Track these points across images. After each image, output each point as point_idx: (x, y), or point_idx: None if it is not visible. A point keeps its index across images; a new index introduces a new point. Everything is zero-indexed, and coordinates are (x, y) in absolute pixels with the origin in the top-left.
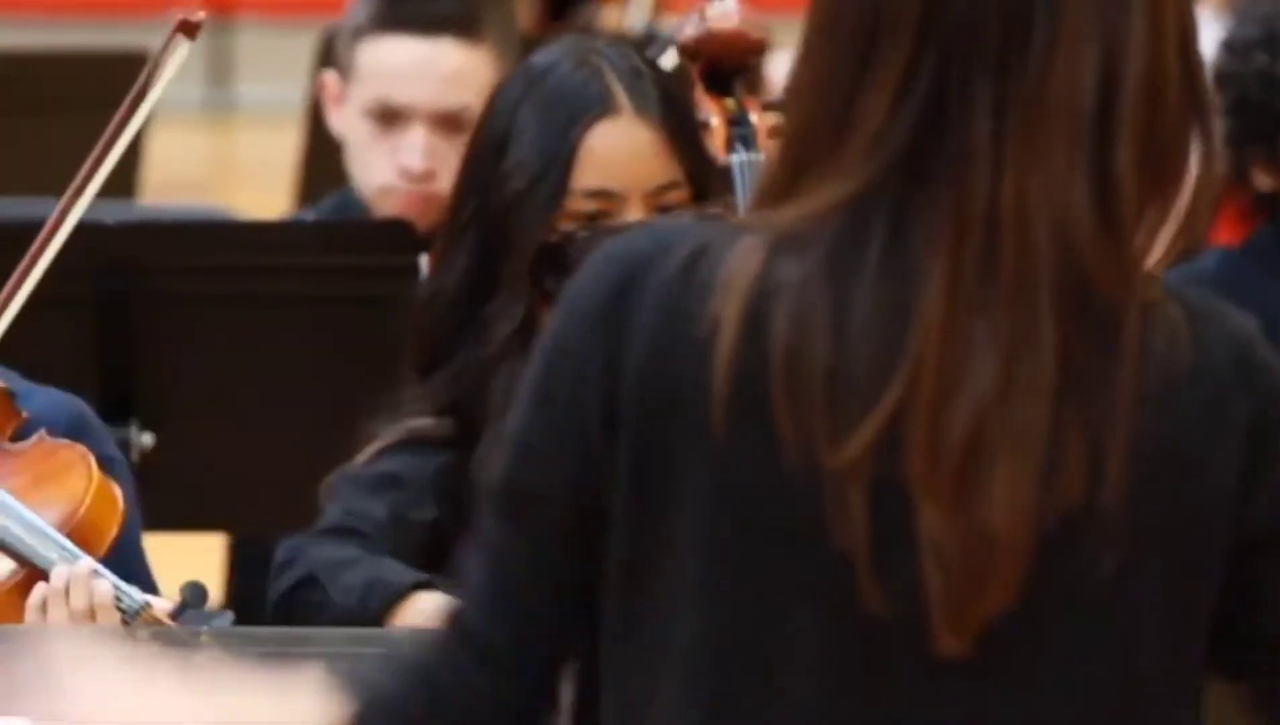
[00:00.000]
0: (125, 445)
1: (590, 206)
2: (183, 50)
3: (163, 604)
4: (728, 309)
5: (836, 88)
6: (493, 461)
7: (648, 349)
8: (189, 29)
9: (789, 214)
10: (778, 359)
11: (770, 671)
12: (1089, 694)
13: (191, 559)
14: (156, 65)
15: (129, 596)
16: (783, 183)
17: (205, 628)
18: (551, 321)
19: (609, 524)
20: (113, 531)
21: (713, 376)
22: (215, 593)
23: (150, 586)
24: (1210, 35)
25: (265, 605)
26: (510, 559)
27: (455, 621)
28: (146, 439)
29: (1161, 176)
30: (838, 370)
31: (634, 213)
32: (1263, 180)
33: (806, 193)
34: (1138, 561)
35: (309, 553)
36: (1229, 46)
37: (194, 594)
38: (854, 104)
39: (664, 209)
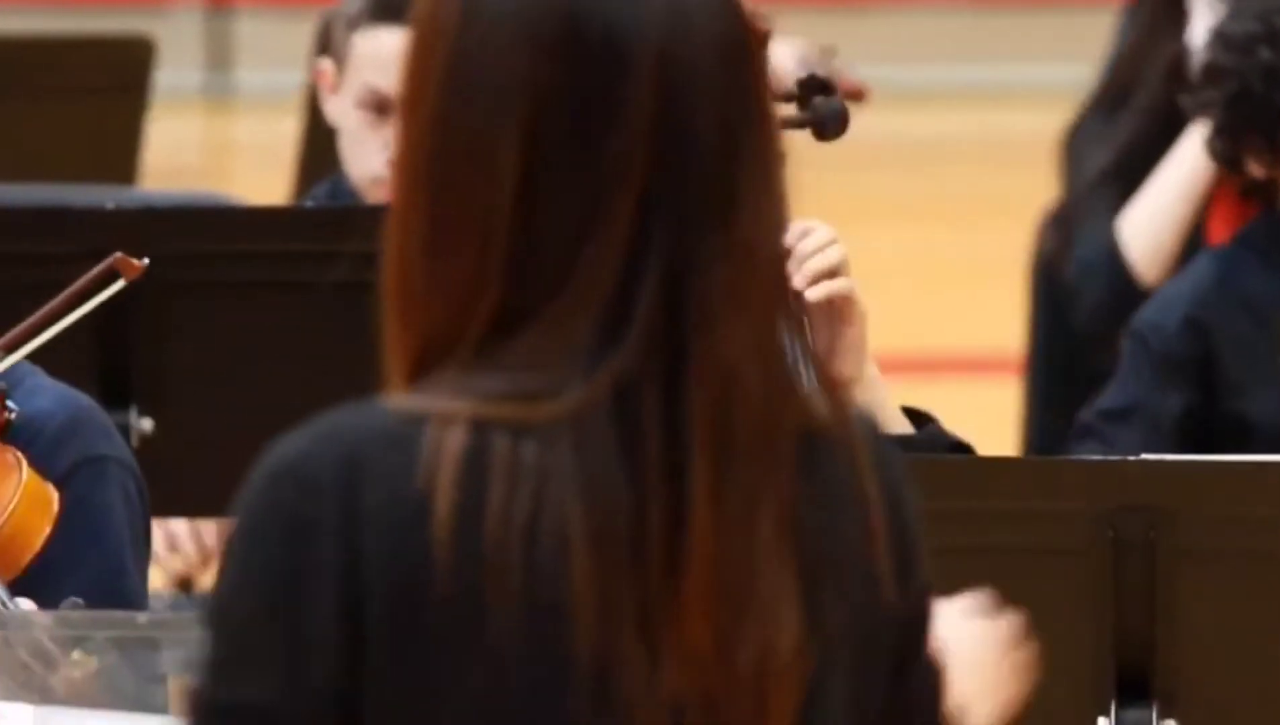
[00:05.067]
0: (125, 430)
1: None
2: (114, 287)
3: (44, 621)
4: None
5: (555, 245)
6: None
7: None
8: (127, 269)
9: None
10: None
11: None
12: None
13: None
14: (85, 292)
15: (6, 608)
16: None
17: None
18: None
19: None
20: (39, 539)
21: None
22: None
23: (142, 593)
24: (1204, 24)
25: None
26: None
27: None
28: (146, 424)
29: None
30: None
31: None
32: (1257, 170)
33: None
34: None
35: None
36: (1227, 41)
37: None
38: (577, 262)
39: None
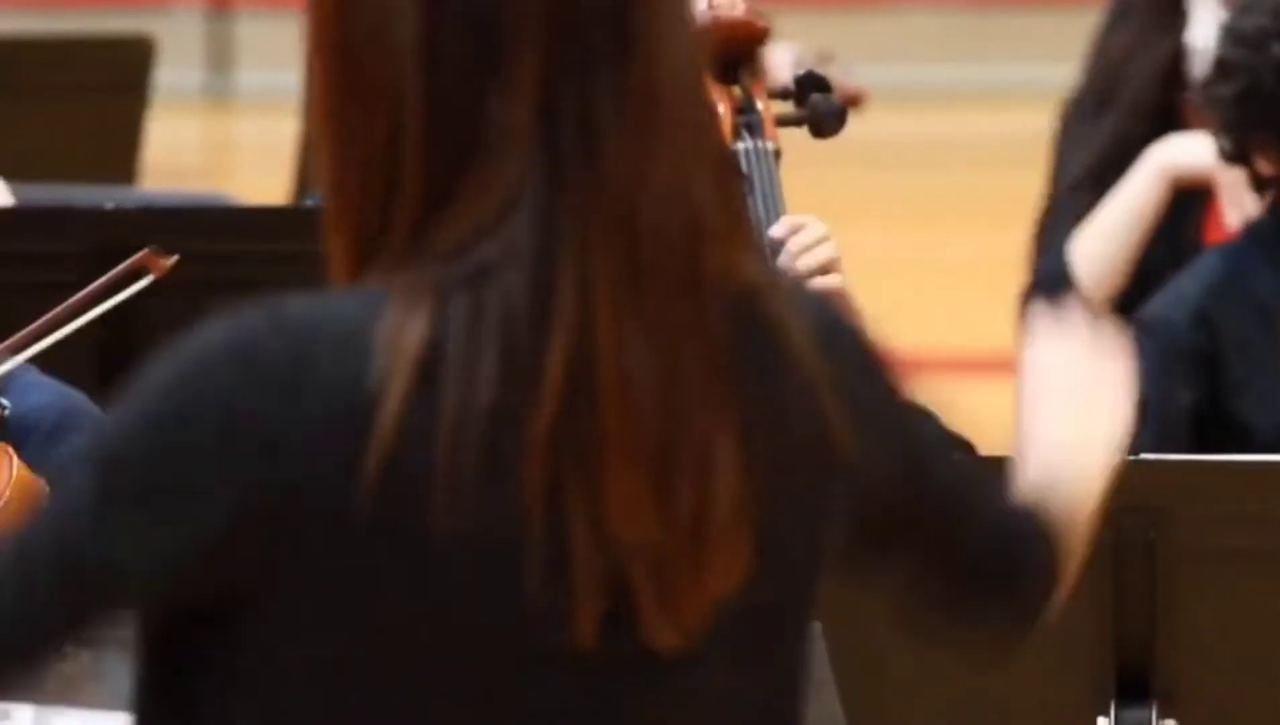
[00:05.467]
0: None
1: None
2: (141, 283)
3: None
4: (396, 371)
5: (461, 100)
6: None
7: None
8: (155, 265)
9: (442, 244)
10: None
11: None
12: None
13: None
14: (114, 284)
15: None
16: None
17: None
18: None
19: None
20: None
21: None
22: None
23: None
24: (1210, 21)
25: None
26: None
27: None
28: None
29: None
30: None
31: None
32: (1265, 166)
33: (452, 214)
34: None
35: None
36: (1239, 36)
37: None
38: (484, 113)
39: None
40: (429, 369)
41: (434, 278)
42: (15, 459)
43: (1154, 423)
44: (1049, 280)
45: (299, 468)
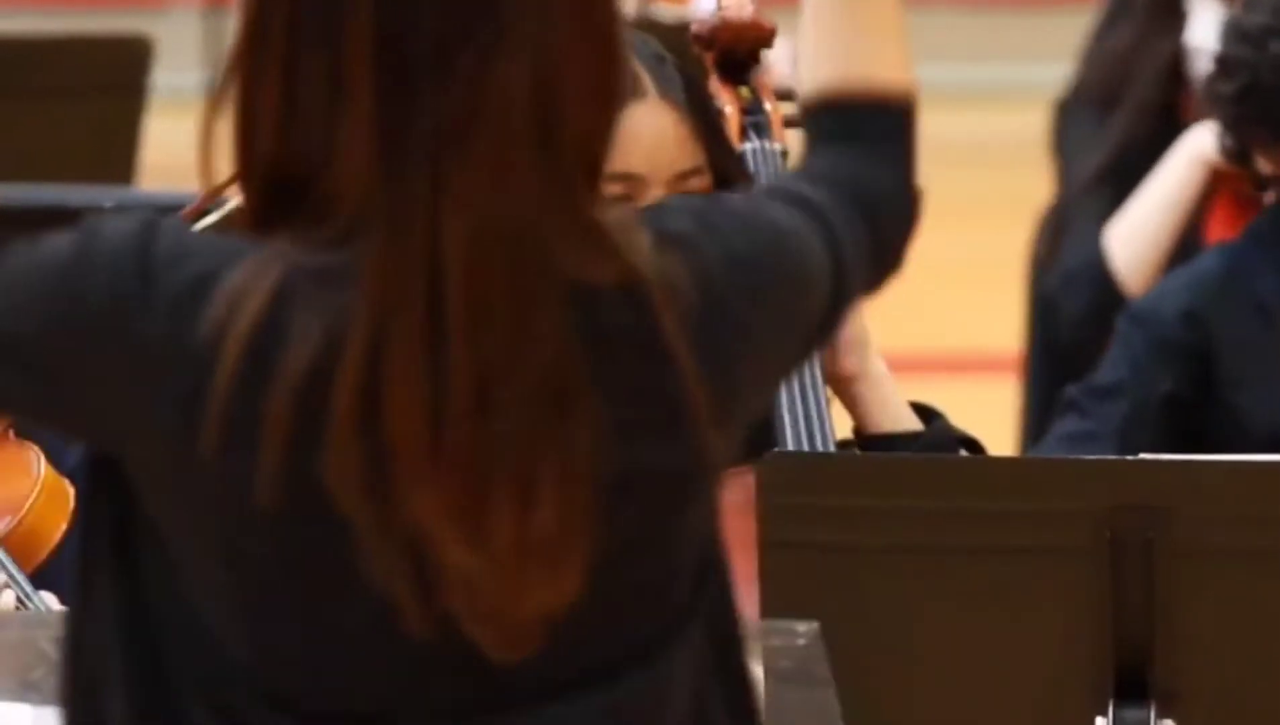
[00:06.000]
0: None
1: (615, 190)
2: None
3: None
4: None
5: (308, 111)
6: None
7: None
8: None
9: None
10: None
11: None
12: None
13: None
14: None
15: (32, 606)
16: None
17: None
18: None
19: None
20: (56, 534)
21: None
22: None
23: None
24: (1210, 19)
25: None
26: None
27: None
28: None
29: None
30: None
31: (657, 196)
32: (1265, 166)
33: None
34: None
35: None
36: (1240, 33)
37: None
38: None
39: (686, 194)
40: (257, 337)
41: (289, 259)
42: (42, 459)
43: (1128, 406)
44: (1080, 274)
45: (144, 370)
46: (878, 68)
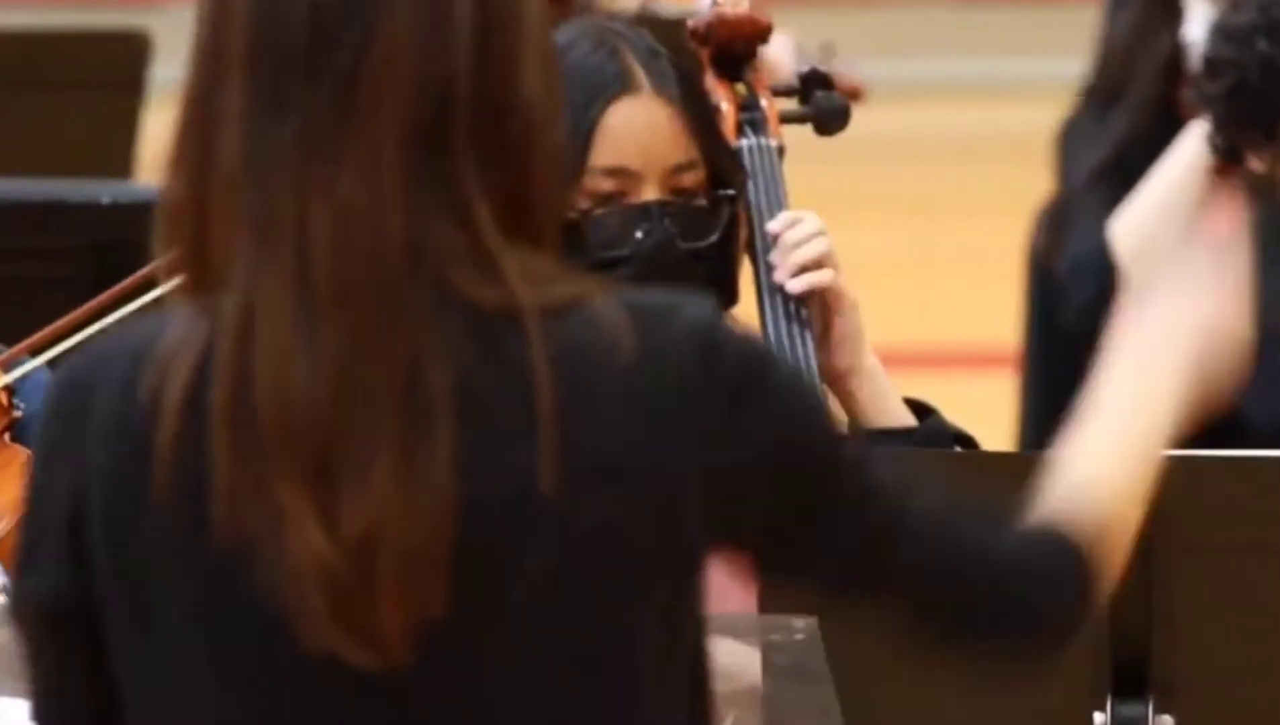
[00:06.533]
0: None
1: (608, 185)
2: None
3: None
4: (169, 386)
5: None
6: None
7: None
8: None
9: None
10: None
11: None
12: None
13: None
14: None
15: None
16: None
17: None
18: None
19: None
20: None
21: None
22: None
23: None
24: (1200, 20)
25: None
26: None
27: None
28: None
29: (523, 193)
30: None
31: (651, 192)
32: (1256, 165)
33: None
34: (573, 569)
35: None
36: (1226, 33)
37: None
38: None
39: (680, 190)
40: (191, 388)
41: (207, 305)
42: None
43: None
44: (1082, 267)
45: (97, 475)
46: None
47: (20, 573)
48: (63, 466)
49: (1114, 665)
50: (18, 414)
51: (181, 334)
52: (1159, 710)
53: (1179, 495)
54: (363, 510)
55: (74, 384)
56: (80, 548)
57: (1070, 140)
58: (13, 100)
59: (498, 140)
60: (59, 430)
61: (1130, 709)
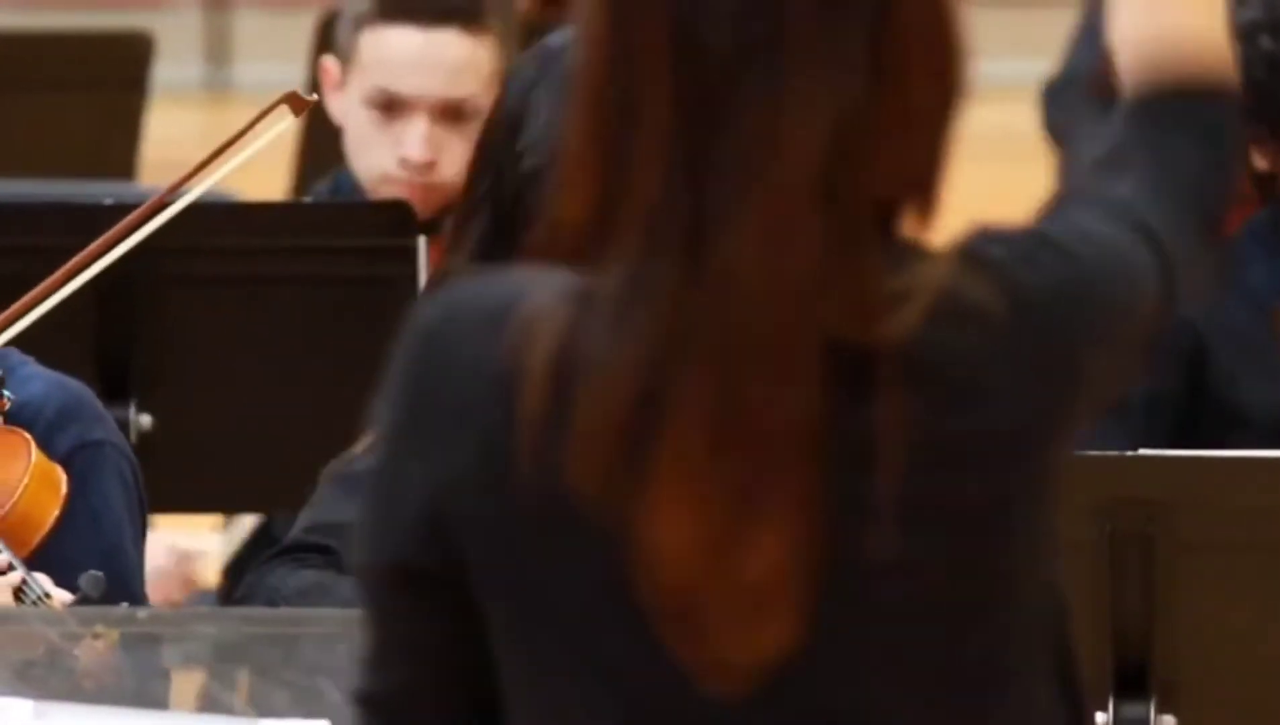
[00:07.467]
0: (124, 426)
1: None
2: (284, 123)
3: (64, 596)
4: (532, 357)
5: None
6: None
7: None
8: (296, 105)
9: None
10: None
11: None
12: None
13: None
14: (252, 127)
15: (31, 587)
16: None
17: (141, 610)
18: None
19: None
20: (49, 518)
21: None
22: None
23: (139, 573)
24: None
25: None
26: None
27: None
28: (145, 420)
29: (925, 201)
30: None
31: None
32: (1260, 162)
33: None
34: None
35: (263, 585)
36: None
37: (93, 585)
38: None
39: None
40: (558, 363)
41: (581, 285)
42: (33, 445)
43: (1140, 415)
44: None
45: (465, 442)
46: (1199, 48)
47: (374, 537)
48: (427, 429)
49: (1116, 664)
50: (6, 402)
51: (549, 299)
52: (1161, 710)
53: (1180, 494)
54: (748, 545)
55: (432, 336)
56: (441, 519)
57: (1072, 136)
58: (14, 101)
59: (896, 159)
60: (417, 397)
61: (1132, 708)
